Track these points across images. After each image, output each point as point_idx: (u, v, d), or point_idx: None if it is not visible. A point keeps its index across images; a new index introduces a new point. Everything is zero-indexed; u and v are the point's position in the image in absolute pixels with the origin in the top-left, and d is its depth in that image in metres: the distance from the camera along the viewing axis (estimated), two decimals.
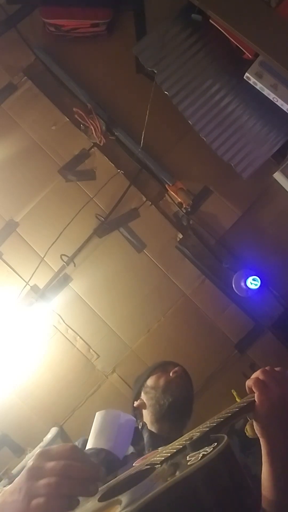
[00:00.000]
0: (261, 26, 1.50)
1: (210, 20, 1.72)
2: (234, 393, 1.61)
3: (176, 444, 0.65)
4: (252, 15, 1.50)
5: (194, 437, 0.60)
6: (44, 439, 1.78)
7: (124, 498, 0.57)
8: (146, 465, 0.65)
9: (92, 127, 1.93)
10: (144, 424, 1.19)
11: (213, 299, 1.97)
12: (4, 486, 0.87)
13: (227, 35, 1.70)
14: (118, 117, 1.98)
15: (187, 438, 0.64)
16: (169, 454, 0.62)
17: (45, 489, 0.53)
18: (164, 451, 0.66)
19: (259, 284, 1.89)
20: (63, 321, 1.90)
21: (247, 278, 1.90)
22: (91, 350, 1.91)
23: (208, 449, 0.55)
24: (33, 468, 0.56)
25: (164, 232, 1.99)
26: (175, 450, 0.62)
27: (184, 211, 1.98)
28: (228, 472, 0.53)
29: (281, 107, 1.71)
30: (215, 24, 1.71)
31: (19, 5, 1.96)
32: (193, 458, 0.55)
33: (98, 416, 1.09)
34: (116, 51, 1.99)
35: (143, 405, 1.25)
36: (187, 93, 1.83)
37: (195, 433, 0.65)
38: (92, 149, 1.99)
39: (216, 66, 1.86)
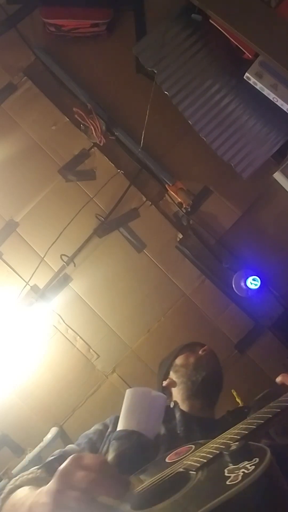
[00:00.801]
0: (261, 26, 1.50)
1: (210, 20, 1.72)
2: (234, 393, 1.61)
3: (212, 448, 0.61)
4: (252, 15, 1.50)
5: (233, 447, 0.57)
6: (44, 439, 1.78)
7: (167, 507, 0.54)
8: (181, 467, 0.62)
9: (92, 127, 1.93)
10: (176, 403, 1.18)
11: (213, 299, 1.97)
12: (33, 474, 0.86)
13: (227, 35, 1.70)
14: (118, 117, 1.98)
15: (224, 442, 0.60)
16: (205, 461, 0.59)
17: (74, 503, 0.52)
18: (199, 454, 0.63)
19: (259, 284, 1.89)
20: (63, 321, 1.90)
21: (247, 278, 1.90)
22: (91, 350, 1.91)
23: (249, 465, 0.51)
24: (64, 473, 0.55)
25: (164, 232, 1.99)
26: (211, 456, 0.59)
27: (184, 211, 1.98)
28: (272, 495, 0.49)
29: (281, 107, 1.71)
30: (215, 24, 1.71)
31: (19, 5, 1.96)
32: (233, 476, 0.51)
33: (128, 394, 1.07)
34: (116, 51, 1.99)
35: (172, 384, 1.24)
36: (187, 93, 1.83)
37: (233, 436, 0.61)
38: (92, 149, 1.99)
39: (216, 66, 1.86)
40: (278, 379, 0.77)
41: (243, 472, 0.50)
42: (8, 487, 0.82)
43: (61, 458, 0.96)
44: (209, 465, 0.58)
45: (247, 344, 1.96)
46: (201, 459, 0.60)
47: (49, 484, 0.57)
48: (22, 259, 1.91)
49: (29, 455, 1.73)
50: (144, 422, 0.99)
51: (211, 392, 1.19)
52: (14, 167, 1.94)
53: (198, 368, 1.19)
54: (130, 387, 1.03)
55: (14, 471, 1.70)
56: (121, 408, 1.20)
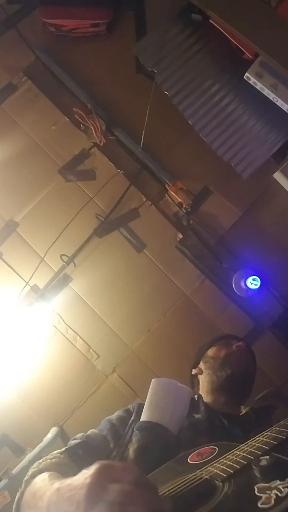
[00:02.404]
0: (261, 26, 1.50)
1: (210, 20, 1.72)
2: None
3: (239, 457, 0.58)
4: (252, 15, 1.50)
5: (263, 461, 0.53)
6: (44, 439, 1.78)
7: None
8: (207, 475, 0.59)
9: (92, 127, 1.93)
10: (200, 396, 1.16)
11: (213, 299, 1.97)
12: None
13: (227, 35, 1.70)
14: (118, 117, 1.98)
15: (251, 451, 0.57)
16: (231, 471, 0.55)
17: None
18: (225, 463, 0.60)
19: (259, 284, 1.89)
20: (63, 321, 1.90)
21: (247, 278, 1.90)
22: (91, 350, 1.91)
23: (282, 487, 0.48)
24: (94, 487, 0.52)
25: (164, 232, 1.99)
26: (238, 467, 0.56)
27: (184, 211, 1.98)
28: None
29: (281, 107, 1.70)
30: (215, 24, 1.71)
31: (19, 5, 1.96)
32: (264, 498, 0.48)
33: (154, 384, 1.06)
34: (116, 51, 1.99)
35: (200, 372, 1.24)
36: (187, 93, 1.83)
37: (260, 444, 0.58)
38: (92, 149, 1.98)
39: (216, 66, 1.86)
40: None
41: (276, 494, 0.48)
42: (32, 470, 0.82)
43: (84, 445, 0.95)
44: (236, 477, 0.55)
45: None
46: (227, 469, 0.57)
47: (73, 489, 0.54)
48: (22, 259, 1.91)
49: (29, 455, 1.73)
50: (169, 414, 0.98)
51: (236, 391, 1.16)
52: (14, 167, 1.94)
53: (226, 364, 1.17)
54: (130, 387, 1.02)
55: (14, 471, 1.70)
56: (120, 408, 1.20)
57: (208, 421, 1.04)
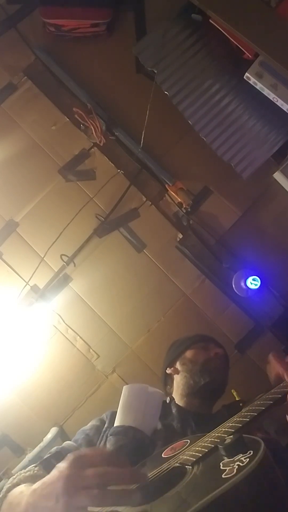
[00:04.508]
0: (261, 26, 1.49)
1: (210, 20, 1.72)
2: (234, 393, 1.61)
3: (207, 442, 0.61)
4: (252, 15, 1.50)
5: (227, 440, 0.57)
6: (44, 439, 1.78)
7: (154, 509, 0.54)
8: (177, 462, 0.62)
9: (92, 127, 1.93)
10: (172, 399, 1.17)
11: (213, 299, 1.97)
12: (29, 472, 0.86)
13: (227, 35, 1.70)
14: (118, 117, 1.98)
15: (218, 436, 0.60)
16: (200, 455, 0.59)
17: (89, 501, 0.51)
18: (194, 449, 0.63)
19: (259, 284, 1.89)
20: (63, 321, 1.90)
21: (247, 278, 1.90)
22: (91, 350, 1.91)
23: (244, 458, 0.51)
24: (71, 477, 0.53)
25: (164, 232, 1.99)
26: (206, 450, 0.59)
27: (184, 211, 1.98)
28: (267, 483, 0.50)
29: (281, 107, 1.70)
30: (215, 24, 1.71)
31: (19, 5, 1.96)
32: (228, 469, 0.51)
33: (125, 390, 1.07)
34: (116, 51, 1.99)
35: (176, 372, 1.23)
36: (187, 93, 1.83)
37: (227, 429, 0.61)
38: (92, 149, 1.99)
39: (216, 66, 1.86)
40: (269, 357, 0.75)
41: (238, 465, 0.51)
42: (6, 486, 0.82)
43: (58, 455, 0.96)
44: (204, 459, 0.58)
45: (247, 344, 1.96)
46: (196, 453, 0.60)
47: (49, 486, 0.55)
48: (22, 259, 1.91)
49: (29, 455, 1.73)
50: (141, 418, 0.99)
51: (210, 396, 1.17)
52: (14, 167, 1.94)
53: (204, 370, 1.16)
54: None
55: (14, 471, 1.69)
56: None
57: (181, 421, 1.05)
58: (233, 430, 0.60)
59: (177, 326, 1.94)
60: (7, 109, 1.97)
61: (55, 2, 1.88)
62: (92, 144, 1.98)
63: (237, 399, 1.60)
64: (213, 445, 0.58)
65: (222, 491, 0.48)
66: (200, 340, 1.29)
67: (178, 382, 1.21)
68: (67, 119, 1.98)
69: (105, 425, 1.08)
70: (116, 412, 1.06)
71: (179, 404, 1.15)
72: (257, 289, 1.90)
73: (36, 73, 1.99)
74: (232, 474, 0.49)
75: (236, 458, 0.53)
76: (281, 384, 0.70)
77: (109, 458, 0.55)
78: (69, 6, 1.87)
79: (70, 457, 0.57)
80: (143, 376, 1.87)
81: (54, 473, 0.56)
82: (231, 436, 0.57)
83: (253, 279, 1.89)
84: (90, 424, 1.12)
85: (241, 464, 0.50)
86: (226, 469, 0.51)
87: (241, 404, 1.03)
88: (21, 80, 1.98)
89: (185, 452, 0.65)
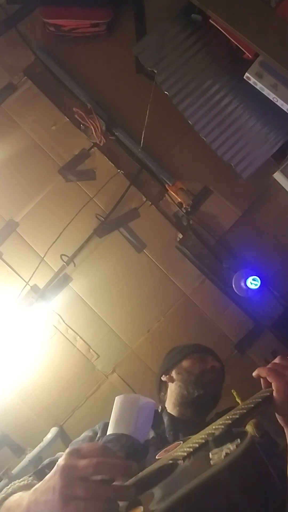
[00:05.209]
0: (261, 26, 1.49)
1: (210, 20, 1.72)
2: (234, 393, 1.60)
3: (198, 439, 0.63)
4: (252, 15, 1.50)
5: (216, 433, 0.58)
6: (44, 439, 1.78)
7: (155, 491, 0.56)
8: (169, 459, 0.64)
9: (92, 127, 1.93)
10: (164, 408, 1.17)
11: (213, 299, 1.97)
12: (24, 481, 0.87)
13: (227, 35, 1.70)
14: (118, 117, 1.98)
15: (209, 433, 0.62)
16: (191, 450, 0.60)
17: (84, 492, 0.52)
18: (186, 446, 0.65)
19: (259, 284, 1.89)
20: (63, 321, 1.90)
21: (247, 278, 1.90)
22: (91, 350, 1.91)
23: (231, 446, 0.53)
24: (66, 467, 0.55)
25: (164, 232, 1.99)
26: (197, 445, 0.60)
27: (184, 211, 1.98)
28: (254, 470, 0.51)
29: (281, 107, 1.70)
30: (215, 24, 1.71)
31: (19, 5, 1.96)
32: (216, 456, 0.53)
33: (117, 400, 1.07)
34: (116, 51, 1.99)
35: (171, 380, 1.22)
36: (187, 93, 1.83)
37: (217, 426, 0.63)
38: (92, 149, 1.99)
39: (216, 66, 1.86)
40: (254, 374, 0.77)
41: (226, 453, 0.52)
42: (1, 496, 0.82)
43: (51, 465, 0.96)
44: (195, 453, 0.59)
45: (247, 344, 1.96)
46: (187, 449, 0.62)
47: (48, 481, 0.56)
48: (22, 259, 1.91)
49: (29, 455, 1.73)
50: (133, 425, 0.99)
51: (202, 408, 1.17)
52: (14, 167, 1.94)
53: (199, 383, 1.16)
54: (130, 387, 1.03)
55: (14, 471, 1.69)
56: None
57: (173, 430, 1.06)
58: (222, 426, 0.61)
59: (177, 326, 1.94)
60: (7, 109, 1.97)
61: (55, 2, 1.88)
62: (92, 144, 1.98)
63: (237, 399, 1.60)
64: (204, 441, 0.60)
65: (208, 476, 0.49)
66: (198, 351, 1.28)
67: (172, 391, 1.21)
68: (67, 119, 1.98)
69: (98, 435, 1.08)
70: (108, 423, 1.07)
71: (171, 413, 1.16)
72: (257, 289, 1.90)
73: (36, 73, 1.99)
74: (220, 460, 0.51)
75: (225, 446, 0.54)
76: (265, 389, 0.72)
77: (103, 450, 0.57)
78: (69, 6, 1.87)
79: (67, 450, 0.59)
80: (143, 376, 1.88)
81: (53, 469, 0.58)
82: (220, 428, 0.59)
83: (253, 279, 1.89)
84: (83, 435, 1.13)
85: (228, 452, 0.52)
86: (214, 457, 0.53)
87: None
88: (21, 80, 1.98)
89: (178, 450, 0.67)
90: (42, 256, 1.90)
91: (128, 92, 1.99)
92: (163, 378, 1.26)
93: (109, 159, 1.98)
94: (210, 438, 0.58)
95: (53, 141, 1.97)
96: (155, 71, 1.80)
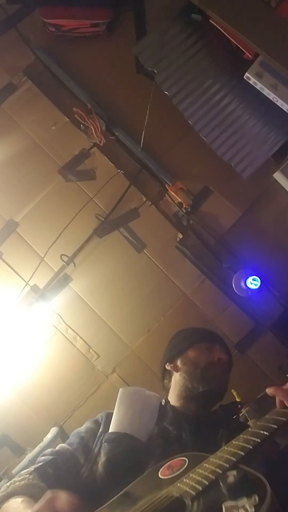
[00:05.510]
0: (261, 26, 1.49)
1: (210, 20, 1.72)
2: (234, 393, 1.60)
3: (208, 472, 0.58)
4: (252, 15, 1.50)
5: (230, 477, 0.54)
6: (44, 439, 1.78)
7: None
8: (176, 493, 0.59)
9: (92, 127, 1.93)
10: (168, 401, 1.13)
11: (213, 299, 1.97)
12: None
13: (227, 35, 1.70)
14: (118, 117, 1.98)
15: (219, 464, 0.57)
16: (200, 488, 0.56)
17: None
18: (194, 478, 0.60)
19: (259, 284, 1.89)
20: (63, 321, 1.90)
21: (247, 278, 1.90)
22: (91, 350, 1.91)
23: (248, 506, 0.49)
24: None
25: (164, 232, 1.99)
26: (207, 483, 0.56)
27: (184, 211, 1.98)
28: None
29: (281, 107, 1.71)
30: (215, 24, 1.71)
31: (19, 5, 1.96)
32: None
33: (121, 393, 1.04)
34: (116, 51, 1.99)
35: (176, 370, 1.17)
36: (187, 93, 1.83)
37: (230, 456, 0.57)
38: (92, 149, 1.98)
39: (216, 66, 1.86)
40: (269, 391, 0.74)
41: None
42: (1, 494, 0.82)
43: (53, 462, 0.94)
44: (204, 494, 0.55)
45: (247, 344, 1.95)
46: (196, 485, 0.58)
47: None
48: (22, 259, 1.91)
49: (29, 455, 1.73)
50: (137, 423, 0.98)
51: (207, 402, 1.13)
52: (14, 167, 1.94)
53: (203, 378, 1.10)
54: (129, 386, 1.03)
55: (14, 471, 1.69)
56: None
57: (176, 425, 1.03)
58: (234, 460, 0.57)
59: (177, 326, 1.92)
60: (7, 109, 1.97)
61: (55, 2, 1.88)
62: (92, 144, 1.98)
63: (237, 399, 1.60)
64: (214, 477, 0.57)
65: None
66: (205, 339, 1.22)
67: (177, 381, 1.16)
68: (67, 119, 1.98)
69: (100, 429, 1.04)
70: (111, 413, 1.04)
71: (175, 405, 1.12)
72: (257, 289, 1.90)
73: (36, 73, 1.99)
74: None
75: (240, 502, 0.51)
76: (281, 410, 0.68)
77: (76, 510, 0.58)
78: (69, 6, 1.87)
79: (46, 495, 0.60)
80: (143, 376, 1.88)
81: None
82: (234, 473, 0.55)
83: (253, 279, 1.89)
84: (85, 426, 1.09)
85: None
86: None
87: (239, 406, 1.02)
88: (21, 80, 1.98)
89: (184, 480, 0.63)
90: (42, 256, 1.90)
91: (128, 92, 1.99)
92: (167, 366, 1.20)
93: (109, 159, 1.98)
94: (222, 480, 0.53)
95: (53, 141, 1.97)
96: (155, 71, 1.80)
